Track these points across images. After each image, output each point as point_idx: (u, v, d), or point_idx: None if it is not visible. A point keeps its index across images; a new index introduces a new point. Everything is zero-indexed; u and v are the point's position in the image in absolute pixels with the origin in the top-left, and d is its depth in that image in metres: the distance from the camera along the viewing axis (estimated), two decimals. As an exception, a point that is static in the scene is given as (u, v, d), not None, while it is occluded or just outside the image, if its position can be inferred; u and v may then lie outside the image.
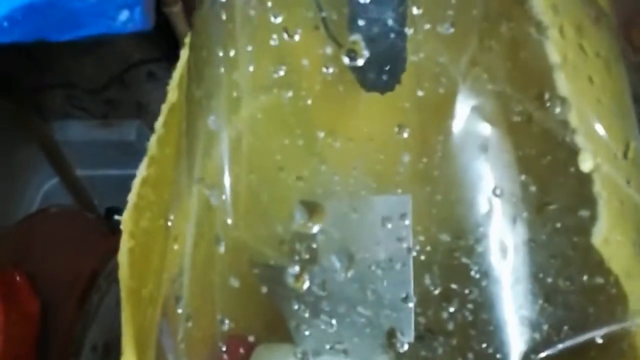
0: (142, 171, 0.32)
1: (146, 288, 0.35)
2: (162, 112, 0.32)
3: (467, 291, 0.25)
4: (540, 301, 0.25)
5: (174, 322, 0.31)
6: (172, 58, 0.66)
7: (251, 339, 0.28)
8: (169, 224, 0.31)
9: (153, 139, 0.32)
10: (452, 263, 0.26)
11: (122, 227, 0.32)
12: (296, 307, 0.27)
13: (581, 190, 0.26)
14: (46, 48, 0.66)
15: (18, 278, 0.42)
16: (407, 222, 0.26)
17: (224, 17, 0.28)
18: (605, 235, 0.26)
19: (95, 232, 0.50)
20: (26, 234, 0.47)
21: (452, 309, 0.25)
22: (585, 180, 0.26)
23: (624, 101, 0.29)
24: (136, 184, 0.31)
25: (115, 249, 0.42)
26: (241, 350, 0.29)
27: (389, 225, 0.26)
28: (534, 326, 0.25)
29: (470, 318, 0.25)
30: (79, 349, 0.44)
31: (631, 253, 0.27)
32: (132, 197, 0.31)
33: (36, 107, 0.69)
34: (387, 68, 0.27)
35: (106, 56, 0.67)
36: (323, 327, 0.27)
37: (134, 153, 0.65)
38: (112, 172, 0.71)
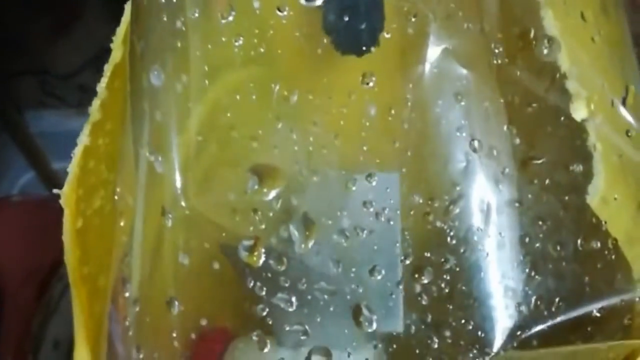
0: (82, 139, 0.28)
1: (104, 276, 0.31)
2: (104, 73, 0.28)
3: (442, 260, 0.22)
4: (528, 270, 0.22)
5: (122, 308, 0.27)
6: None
7: (204, 322, 0.25)
8: (116, 197, 0.28)
9: (96, 103, 0.28)
10: (425, 228, 0.22)
11: (62, 202, 0.28)
12: (251, 284, 0.24)
13: (573, 143, 0.23)
14: (17, 31, 0.63)
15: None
16: (373, 184, 0.23)
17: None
18: (603, 194, 0.23)
19: (59, 221, 0.47)
20: (-18, 221, 0.44)
21: (425, 281, 0.22)
22: (577, 130, 0.23)
23: (623, 43, 0.25)
24: (77, 153, 0.28)
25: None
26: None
27: (354, 189, 0.23)
28: (521, 299, 0.22)
29: (446, 290, 0.22)
30: (38, 344, 0.41)
31: (633, 214, 0.24)
32: (71, 168, 0.28)
33: (7, 96, 0.66)
34: (362, 25, 0.24)
35: (80, 40, 0.64)
36: (282, 306, 0.23)
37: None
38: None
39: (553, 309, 0.22)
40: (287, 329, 0.23)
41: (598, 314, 0.22)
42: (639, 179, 0.24)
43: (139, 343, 0.26)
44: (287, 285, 0.23)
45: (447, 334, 0.22)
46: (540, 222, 0.22)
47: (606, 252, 0.22)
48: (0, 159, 0.68)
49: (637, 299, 0.22)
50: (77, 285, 0.30)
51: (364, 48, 0.24)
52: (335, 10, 0.23)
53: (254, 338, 0.24)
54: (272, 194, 0.24)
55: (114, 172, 0.31)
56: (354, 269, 0.23)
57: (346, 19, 0.23)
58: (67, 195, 0.28)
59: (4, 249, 0.41)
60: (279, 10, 0.23)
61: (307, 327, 0.23)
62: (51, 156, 0.70)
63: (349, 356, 0.23)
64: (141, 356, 0.26)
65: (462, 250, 0.22)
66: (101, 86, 0.28)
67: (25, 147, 0.68)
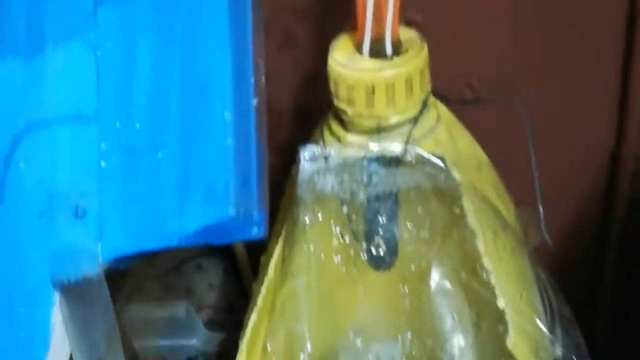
0: (253, 318, 0.53)
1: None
2: (264, 282, 0.53)
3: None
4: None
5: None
6: (218, 254, 0.89)
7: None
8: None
9: (260, 299, 0.53)
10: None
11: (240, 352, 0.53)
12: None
13: (500, 318, 0.49)
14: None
15: None
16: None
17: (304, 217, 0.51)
18: (513, 342, 0.48)
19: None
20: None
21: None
22: (501, 312, 0.49)
23: (521, 267, 0.52)
24: (248, 330, 0.53)
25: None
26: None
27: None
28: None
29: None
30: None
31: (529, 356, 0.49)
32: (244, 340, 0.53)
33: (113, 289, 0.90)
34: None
35: (168, 252, 0.89)
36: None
37: (182, 327, 0.85)
38: (164, 342, 0.87)
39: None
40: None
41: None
42: (531, 336, 0.50)
43: None
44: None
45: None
46: (487, 357, 0.48)
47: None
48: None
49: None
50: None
51: (384, 268, 0.51)
52: (370, 251, 0.50)
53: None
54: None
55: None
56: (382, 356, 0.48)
57: (378, 253, 0.50)
58: (241, 350, 0.53)
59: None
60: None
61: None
62: (134, 336, 0.91)
63: None
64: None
65: None
66: (262, 294, 0.53)
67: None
